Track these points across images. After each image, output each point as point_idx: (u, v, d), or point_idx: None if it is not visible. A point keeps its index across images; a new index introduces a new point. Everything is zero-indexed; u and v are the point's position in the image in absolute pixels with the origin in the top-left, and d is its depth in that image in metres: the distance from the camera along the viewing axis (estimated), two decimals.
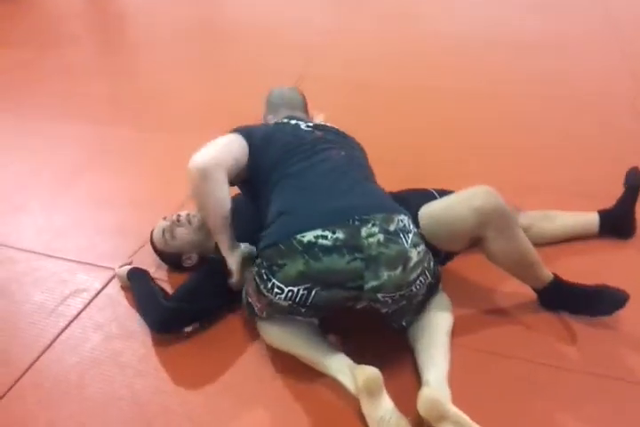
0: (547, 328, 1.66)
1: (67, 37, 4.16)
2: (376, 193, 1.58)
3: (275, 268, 1.42)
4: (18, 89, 3.37)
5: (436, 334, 1.52)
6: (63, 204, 2.34)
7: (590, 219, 1.98)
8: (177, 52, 3.84)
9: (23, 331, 1.73)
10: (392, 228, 1.41)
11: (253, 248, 1.64)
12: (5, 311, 1.82)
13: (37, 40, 4.09)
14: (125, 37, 4.40)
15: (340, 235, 1.38)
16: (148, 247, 1.91)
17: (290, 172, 1.57)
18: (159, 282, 1.82)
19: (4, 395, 1.54)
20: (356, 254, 1.37)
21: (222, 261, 1.65)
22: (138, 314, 1.73)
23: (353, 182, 1.55)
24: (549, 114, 2.89)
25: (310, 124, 1.77)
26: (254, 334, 1.64)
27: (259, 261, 1.48)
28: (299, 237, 1.39)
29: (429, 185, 1.93)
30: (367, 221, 1.40)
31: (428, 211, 1.60)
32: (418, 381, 1.46)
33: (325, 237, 1.37)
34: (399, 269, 1.39)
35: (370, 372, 1.37)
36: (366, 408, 1.37)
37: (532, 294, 1.70)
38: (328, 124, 1.85)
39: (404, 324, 1.55)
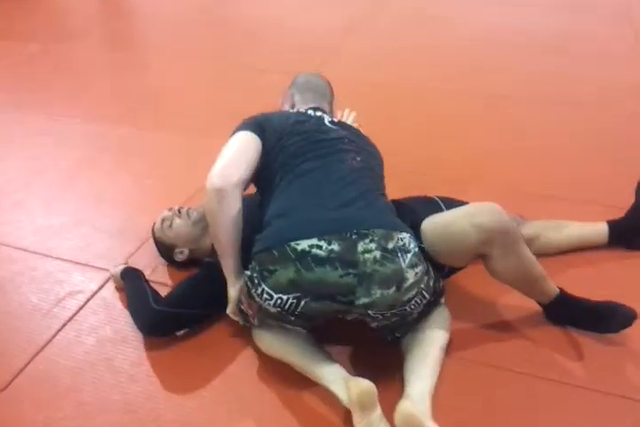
0: (551, 342, 1.62)
1: (73, 32, 4.13)
2: (381, 207, 1.51)
3: (265, 273, 1.38)
4: (21, 84, 3.35)
5: (428, 348, 1.47)
6: (62, 202, 2.31)
7: (599, 229, 1.92)
8: (186, 50, 3.79)
9: (17, 332, 1.71)
10: (390, 246, 1.36)
11: None
12: (0, 312, 1.79)
13: (43, 34, 4.06)
14: (133, 33, 4.37)
15: (335, 247, 1.33)
16: (146, 249, 1.88)
17: (301, 168, 1.52)
18: (157, 284, 1.79)
19: None
20: (350, 270, 1.33)
21: (217, 266, 1.61)
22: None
23: (360, 193, 1.49)
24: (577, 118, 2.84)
25: (334, 121, 1.71)
26: (248, 340, 1.61)
27: (252, 264, 1.44)
28: (293, 244, 1.35)
29: (439, 185, 1.89)
30: (365, 236, 1.35)
31: (430, 225, 1.52)
32: None
33: (320, 247, 1.33)
34: (393, 289, 1.35)
35: (364, 385, 1.33)
36: (357, 422, 1.33)
37: (537, 307, 1.66)
38: (354, 125, 1.80)
39: (397, 335, 1.51)
